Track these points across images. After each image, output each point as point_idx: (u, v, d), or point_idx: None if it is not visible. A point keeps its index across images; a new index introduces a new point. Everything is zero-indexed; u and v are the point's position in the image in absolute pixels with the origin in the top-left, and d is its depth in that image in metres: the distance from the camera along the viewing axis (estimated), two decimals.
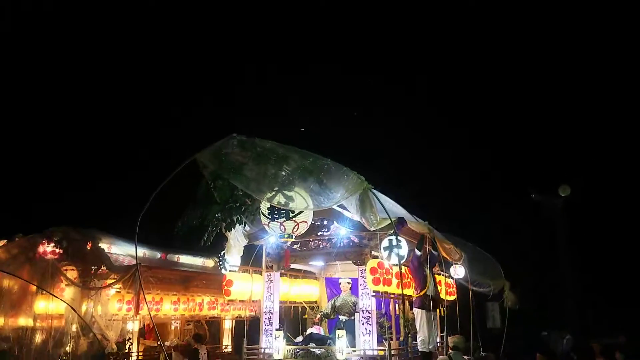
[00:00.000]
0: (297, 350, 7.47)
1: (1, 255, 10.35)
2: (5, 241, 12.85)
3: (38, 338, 10.57)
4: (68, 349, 10.17)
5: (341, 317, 8.35)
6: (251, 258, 8.52)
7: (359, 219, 6.23)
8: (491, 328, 13.97)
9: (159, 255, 12.18)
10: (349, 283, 8.47)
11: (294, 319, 9.74)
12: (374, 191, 5.77)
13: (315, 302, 9.75)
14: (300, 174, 5.83)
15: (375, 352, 7.07)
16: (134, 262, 11.00)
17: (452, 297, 9.95)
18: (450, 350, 6.17)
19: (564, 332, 13.55)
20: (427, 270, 7.67)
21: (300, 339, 8.30)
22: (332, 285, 9.34)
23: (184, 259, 12.83)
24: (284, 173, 5.93)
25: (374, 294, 6.88)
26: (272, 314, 8.01)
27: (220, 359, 12.17)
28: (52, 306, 10.86)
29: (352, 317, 8.23)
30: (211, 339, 13.00)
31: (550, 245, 15.30)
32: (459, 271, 9.80)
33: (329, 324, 8.92)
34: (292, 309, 9.72)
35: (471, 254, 9.78)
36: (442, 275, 9.49)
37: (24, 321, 10.80)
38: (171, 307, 11.10)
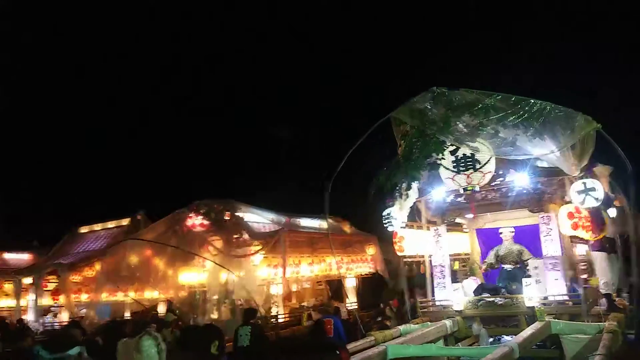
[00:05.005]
0: (478, 301, 7.51)
1: (149, 235, 10.77)
2: (129, 219, 13.48)
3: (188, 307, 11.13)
4: (214, 315, 10.66)
5: (505, 266, 8.29)
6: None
7: (566, 164, 6.03)
8: None
9: (283, 220, 12.43)
10: (511, 232, 8.38)
11: None
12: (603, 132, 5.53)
13: (462, 254, 9.72)
14: (510, 121, 5.64)
15: (566, 298, 7.03)
16: (270, 227, 11.33)
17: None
18: None
19: None
20: (605, 213, 7.47)
21: None
22: (485, 236, 9.25)
23: (304, 222, 13.07)
24: (490, 122, 5.76)
25: (574, 239, 6.74)
26: (443, 267, 8.04)
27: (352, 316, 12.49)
28: (192, 277, 11.38)
29: (518, 266, 8.17)
30: (333, 298, 13.37)
31: None
32: (610, 211, 9.50)
33: (488, 275, 8.88)
34: None
35: None
36: None
37: (170, 292, 11.38)
38: (307, 269, 11.39)
